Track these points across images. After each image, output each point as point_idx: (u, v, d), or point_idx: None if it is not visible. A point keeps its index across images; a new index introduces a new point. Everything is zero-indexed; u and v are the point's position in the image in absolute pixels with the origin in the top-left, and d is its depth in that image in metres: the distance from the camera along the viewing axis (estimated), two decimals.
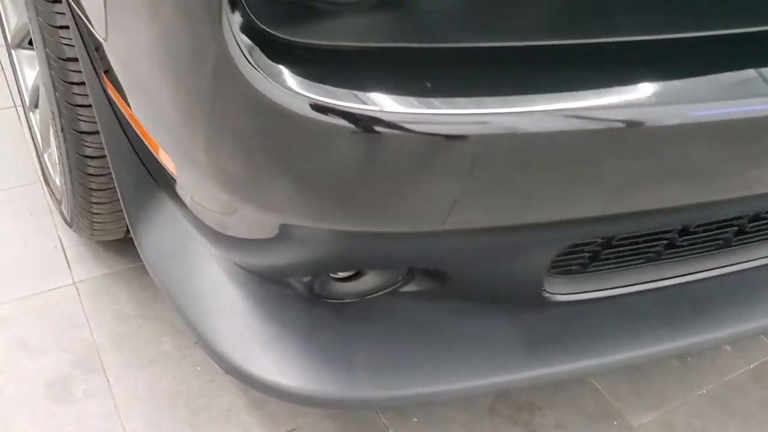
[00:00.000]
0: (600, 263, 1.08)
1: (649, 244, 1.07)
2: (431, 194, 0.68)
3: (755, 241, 1.18)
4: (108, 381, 1.27)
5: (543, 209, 0.74)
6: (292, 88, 0.61)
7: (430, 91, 0.63)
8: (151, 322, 1.38)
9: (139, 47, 0.73)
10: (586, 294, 1.09)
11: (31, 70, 1.65)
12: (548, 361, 1.05)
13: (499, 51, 0.66)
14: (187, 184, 0.90)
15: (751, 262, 1.18)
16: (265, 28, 0.62)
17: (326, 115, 0.62)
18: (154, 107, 0.77)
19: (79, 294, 1.42)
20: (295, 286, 1.01)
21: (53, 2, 1.00)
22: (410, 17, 0.67)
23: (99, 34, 0.82)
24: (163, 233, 1.12)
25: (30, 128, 1.66)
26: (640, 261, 1.11)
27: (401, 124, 0.62)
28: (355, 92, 0.61)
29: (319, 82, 0.62)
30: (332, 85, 0.62)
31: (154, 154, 0.92)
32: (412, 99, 0.62)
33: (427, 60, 0.65)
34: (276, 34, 0.62)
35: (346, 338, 1.02)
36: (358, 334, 1.03)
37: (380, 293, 1.03)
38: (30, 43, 1.66)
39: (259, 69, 0.61)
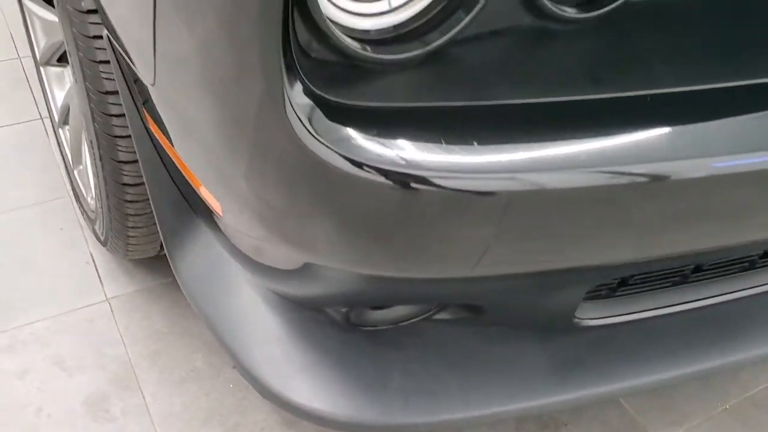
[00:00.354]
0: (628, 287, 1.11)
1: (676, 269, 1.09)
2: (471, 245, 0.70)
3: None
4: (144, 399, 1.30)
5: (585, 258, 0.76)
6: (341, 149, 0.63)
7: (476, 150, 0.65)
8: (183, 338, 1.41)
9: (190, 97, 0.75)
10: (614, 318, 1.11)
11: (59, 87, 1.68)
12: (577, 384, 1.08)
13: (542, 107, 0.68)
14: (228, 221, 0.92)
15: None
16: (316, 90, 0.64)
17: (372, 173, 0.64)
18: (203, 154, 0.80)
19: (112, 311, 1.45)
20: (331, 313, 1.04)
21: (93, 38, 1.03)
22: (453, 74, 0.69)
23: (146, 80, 0.85)
24: (200, 258, 1.15)
25: (59, 144, 1.69)
26: (667, 284, 1.13)
27: (444, 183, 0.64)
28: (402, 153, 0.64)
29: (367, 141, 0.64)
30: (380, 145, 0.64)
31: (196, 189, 0.95)
32: (456, 158, 0.65)
33: (472, 117, 0.68)
34: (326, 96, 0.64)
35: (380, 364, 1.05)
36: (392, 360, 1.06)
37: (414, 320, 1.05)
38: (58, 60, 1.69)
39: (311, 129, 0.63)
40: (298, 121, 0.62)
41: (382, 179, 0.64)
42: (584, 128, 0.69)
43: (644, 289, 1.12)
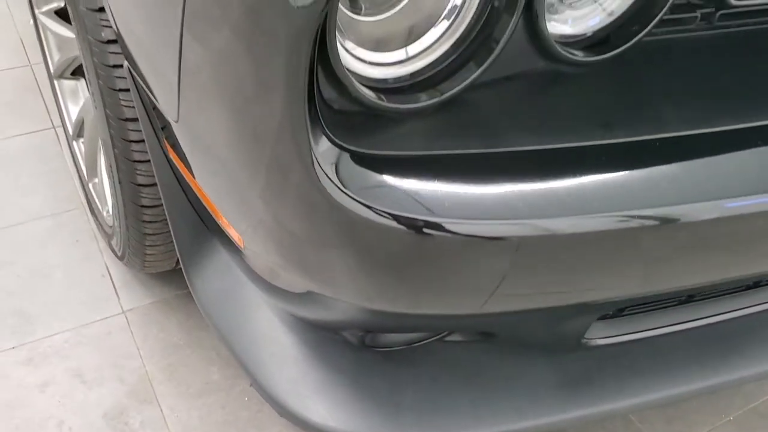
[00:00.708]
0: (636, 307, 1.13)
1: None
2: (483, 286, 0.73)
3: None
4: (162, 412, 1.34)
5: (598, 294, 0.79)
6: (362, 197, 0.66)
7: (491, 197, 0.68)
8: (198, 350, 1.44)
9: (214, 140, 0.78)
10: (622, 336, 1.14)
11: (73, 101, 1.70)
12: (585, 402, 1.11)
13: (558, 152, 0.71)
14: (249, 253, 0.95)
15: None
16: (338, 140, 0.66)
17: (390, 220, 0.67)
18: (226, 191, 0.83)
19: (128, 323, 1.48)
20: (345, 334, 1.07)
21: (113, 67, 1.05)
22: (469, 120, 0.71)
23: (169, 116, 0.87)
24: (217, 278, 1.17)
25: (73, 156, 1.71)
26: (674, 303, 1.16)
27: (458, 229, 0.67)
28: (418, 200, 0.66)
29: (387, 188, 0.67)
30: (399, 193, 0.67)
31: (215, 218, 0.98)
32: (471, 206, 0.67)
33: (487, 164, 0.70)
34: (348, 146, 0.67)
35: (393, 382, 1.08)
36: (405, 378, 1.09)
37: (426, 341, 1.08)
38: (72, 73, 1.71)
39: (334, 179, 0.66)
40: (321, 171, 0.65)
41: (399, 225, 0.67)
42: (597, 172, 0.72)
43: (652, 308, 1.15)
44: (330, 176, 0.65)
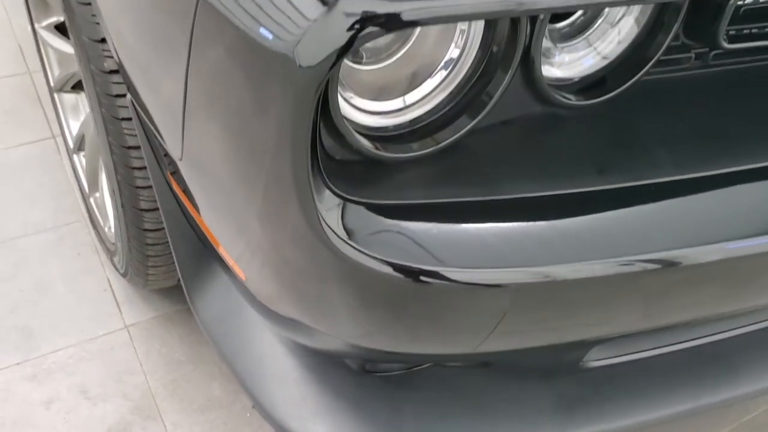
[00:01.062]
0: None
1: None
2: (480, 330, 0.75)
3: None
4: (166, 428, 1.36)
5: (596, 333, 0.80)
6: (363, 246, 0.68)
7: (487, 245, 0.69)
8: (200, 366, 1.46)
9: (217, 181, 0.79)
10: (618, 358, 1.16)
11: (73, 115, 1.70)
12: (582, 424, 1.13)
13: (549, 199, 0.72)
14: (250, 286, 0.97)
15: None
16: (338, 190, 0.68)
17: (390, 268, 0.68)
18: (227, 228, 0.84)
19: (131, 338, 1.50)
20: (346, 360, 1.09)
21: (116, 96, 1.06)
22: (466, 168, 0.73)
23: (173, 154, 0.89)
24: (219, 300, 1.19)
25: (74, 170, 1.72)
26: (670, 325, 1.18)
27: (454, 277, 0.69)
28: (420, 250, 0.68)
29: (385, 238, 0.69)
30: (399, 242, 0.68)
31: (216, 249, 0.99)
32: (470, 255, 0.69)
33: (484, 212, 0.72)
34: (348, 195, 0.68)
35: (393, 406, 1.10)
36: (405, 402, 1.11)
37: (426, 365, 1.10)
38: (72, 87, 1.71)
39: (335, 229, 0.67)
40: (323, 221, 0.66)
41: (398, 274, 0.68)
42: (595, 217, 0.73)
43: (648, 330, 1.17)
44: (332, 226, 0.67)
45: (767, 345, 1.25)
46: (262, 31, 0.59)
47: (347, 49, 0.58)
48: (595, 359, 1.13)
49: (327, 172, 0.67)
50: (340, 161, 0.69)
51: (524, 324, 0.78)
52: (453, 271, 0.68)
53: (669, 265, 0.73)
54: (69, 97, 1.72)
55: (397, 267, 0.68)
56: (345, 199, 0.68)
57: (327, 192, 0.67)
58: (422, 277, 0.68)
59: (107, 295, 1.58)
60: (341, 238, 0.67)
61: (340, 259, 0.68)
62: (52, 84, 1.72)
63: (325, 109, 0.66)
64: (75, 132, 1.66)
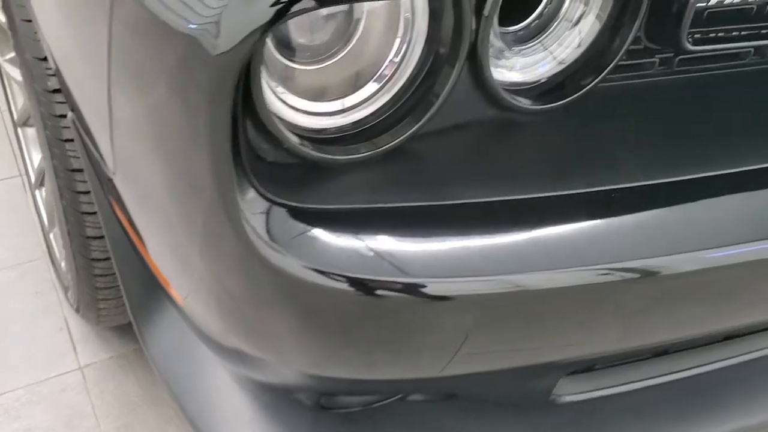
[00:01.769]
0: (607, 361, 1.08)
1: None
2: (436, 349, 0.68)
3: (761, 331, 1.17)
4: None
5: (564, 354, 0.74)
6: (295, 254, 0.62)
7: (434, 252, 0.63)
8: (155, 408, 1.38)
9: (147, 190, 0.74)
10: (593, 392, 1.09)
11: (36, 149, 1.66)
12: None
13: (504, 204, 0.67)
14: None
15: (757, 352, 1.18)
16: (268, 193, 0.62)
17: (327, 278, 0.62)
18: (160, 246, 0.78)
19: (85, 379, 1.42)
20: (300, 397, 1.01)
21: (59, 117, 1.01)
22: (413, 172, 0.68)
23: (107, 170, 0.83)
24: (168, 335, 1.12)
25: (35, 205, 1.67)
26: (648, 356, 1.11)
27: (398, 288, 0.63)
28: (360, 258, 0.62)
29: (320, 245, 0.63)
30: (335, 249, 0.62)
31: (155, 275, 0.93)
32: (412, 263, 0.63)
33: (432, 218, 0.66)
34: (279, 199, 0.63)
35: None
36: None
37: (386, 401, 1.03)
38: None
39: (264, 235, 0.61)
40: (250, 227, 0.60)
41: (337, 284, 0.62)
42: (551, 225, 0.67)
43: (625, 361, 1.10)
44: (258, 230, 0.61)
45: (752, 378, 1.18)
46: (174, 12, 0.54)
47: (268, 28, 0.53)
48: (568, 393, 1.06)
49: (256, 174, 0.62)
50: (273, 163, 0.64)
51: (489, 343, 0.71)
52: (392, 281, 0.62)
53: (636, 274, 0.67)
54: (31, 131, 1.67)
55: (335, 277, 0.62)
56: (274, 202, 0.62)
57: (252, 193, 0.61)
58: (362, 288, 0.62)
59: (63, 334, 1.50)
60: (269, 245, 0.61)
61: (272, 269, 0.62)
62: (15, 118, 1.68)
63: (251, 107, 0.61)
64: (36, 165, 1.61)
